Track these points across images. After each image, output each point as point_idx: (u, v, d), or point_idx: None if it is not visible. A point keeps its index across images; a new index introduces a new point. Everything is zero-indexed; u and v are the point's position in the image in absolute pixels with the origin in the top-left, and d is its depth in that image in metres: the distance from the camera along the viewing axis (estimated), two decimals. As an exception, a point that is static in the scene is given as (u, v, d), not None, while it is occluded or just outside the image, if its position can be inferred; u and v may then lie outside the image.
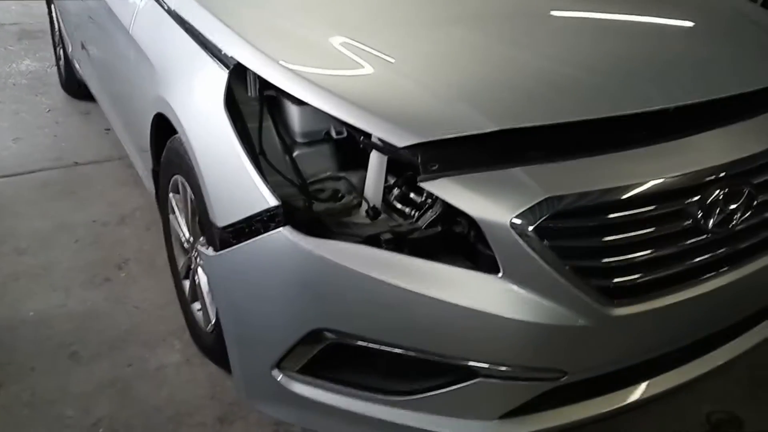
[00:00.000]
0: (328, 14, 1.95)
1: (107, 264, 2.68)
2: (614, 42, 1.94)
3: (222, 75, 1.72)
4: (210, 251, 1.71)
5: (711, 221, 1.54)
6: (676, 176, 1.51)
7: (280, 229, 1.50)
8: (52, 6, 4.30)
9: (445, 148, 1.45)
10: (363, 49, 1.71)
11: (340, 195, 1.68)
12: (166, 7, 2.11)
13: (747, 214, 1.58)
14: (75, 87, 4.15)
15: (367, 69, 1.64)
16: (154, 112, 2.06)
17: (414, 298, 1.44)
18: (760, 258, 1.68)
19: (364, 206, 1.62)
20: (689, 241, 1.55)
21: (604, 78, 1.70)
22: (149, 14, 2.21)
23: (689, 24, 2.18)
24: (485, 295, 1.43)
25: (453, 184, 1.43)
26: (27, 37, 5.68)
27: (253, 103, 1.73)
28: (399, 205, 1.60)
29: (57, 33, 4.31)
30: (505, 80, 1.66)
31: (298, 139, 1.71)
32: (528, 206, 1.39)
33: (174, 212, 2.22)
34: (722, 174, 1.55)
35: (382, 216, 1.61)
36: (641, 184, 1.47)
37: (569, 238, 1.44)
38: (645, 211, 1.48)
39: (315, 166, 1.71)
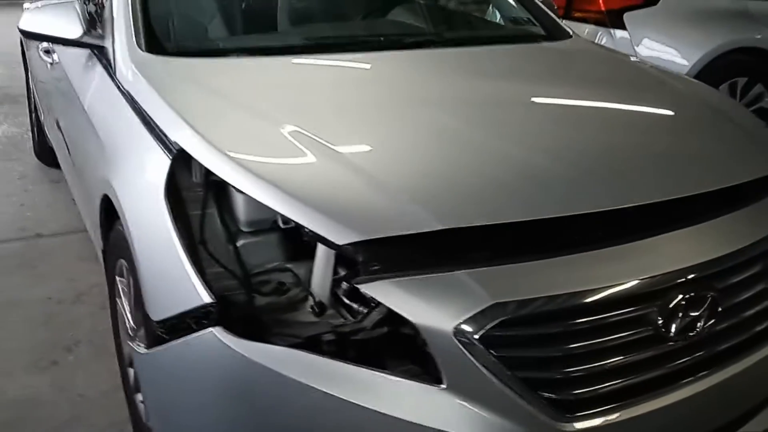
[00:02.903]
0: (283, 99, 1.89)
1: (56, 346, 2.56)
2: (578, 133, 1.87)
3: (165, 160, 1.64)
4: (141, 348, 1.60)
5: (673, 328, 1.44)
6: (635, 281, 1.42)
7: (211, 329, 1.40)
8: (29, 72, 4.28)
9: (387, 248, 1.37)
10: (312, 139, 1.63)
11: (285, 288, 1.58)
12: (119, 85, 2.05)
13: (711, 321, 1.48)
14: (47, 154, 4.09)
15: (313, 160, 1.57)
16: (102, 193, 1.98)
17: (354, 410, 1.33)
18: (731, 364, 1.57)
19: (310, 301, 1.52)
20: (649, 350, 1.44)
21: (563, 172, 1.62)
22: (103, 90, 2.16)
23: (658, 115, 2.12)
24: (429, 407, 1.32)
25: (393, 287, 1.34)
26: (9, 101, 5.67)
27: (197, 189, 1.65)
28: (347, 301, 1.50)
29: (32, 99, 4.28)
30: (459, 174, 1.58)
31: (244, 228, 1.62)
32: (472, 313, 1.29)
33: (120, 296, 2.11)
34: (686, 278, 1.46)
35: (329, 311, 1.50)
36: (597, 290, 1.38)
37: (518, 347, 1.34)
38: (601, 318, 1.39)
39: (260, 257, 1.61)
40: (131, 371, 2.11)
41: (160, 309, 1.54)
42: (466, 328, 1.29)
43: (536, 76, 2.35)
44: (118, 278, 2.07)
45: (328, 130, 1.68)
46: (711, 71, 4.01)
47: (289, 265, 1.61)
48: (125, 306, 2.07)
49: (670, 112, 2.15)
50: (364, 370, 1.35)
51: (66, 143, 3.03)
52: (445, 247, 1.39)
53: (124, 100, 1.98)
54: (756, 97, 4.34)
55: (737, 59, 4.22)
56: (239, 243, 1.61)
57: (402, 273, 1.35)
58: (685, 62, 4.05)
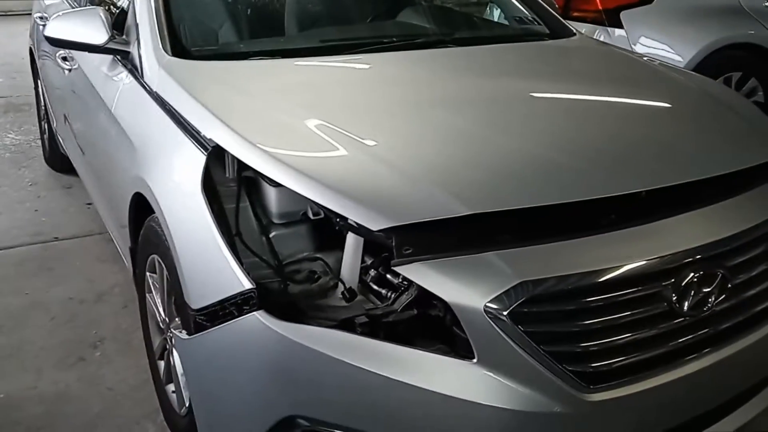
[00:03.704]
0: (306, 97, 1.98)
1: (82, 343, 2.63)
2: (589, 125, 1.98)
3: (200, 157, 1.73)
4: (184, 334, 1.68)
5: (686, 304, 1.54)
6: (650, 260, 1.52)
7: (254, 312, 1.49)
8: (39, 80, 4.35)
9: (419, 232, 1.46)
10: (339, 132, 1.73)
11: (316, 276, 1.67)
12: (147, 88, 2.14)
13: (722, 297, 1.58)
14: (58, 161, 4.17)
15: (343, 152, 1.66)
16: (133, 192, 2.06)
17: (388, 384, 1.42)
18: (740, 339, 1.66)
19: (340, 288, 1.61)
20: (665, 325, 1.54)
21: (578, 161, 1.73)
22: (131, 94, 2.24)
23: (662, 106, 2.23)
24: (460, 381, 1.41)
25: (426, 268, 1.43)
26: (13, 110, 5.73)
27: (230, 184, 1.73)
28: (375, 287, 1.59)
29: (42, 107, 4.35)
30: (480, 164, 1.68)
31: (275, 220, 1.71)
32: (501, 291, 1.39)
33: (151, 291, 2.19)
34: (696, 257, 1.56)
35: (359, 298, 1.59)
36: (616, 268, 1.48)
37: (544, 322, 1.43)
38: (620, 295, 1.48)
39: (292, 247, 1.70)
40: (161, 363, 2.20)
41: (201, 297, 1.62)
42: (496, 305, 1.38)
43: (546, 73, 2.45)
44: (149, 274, 2.15)
45: (353, 124, 1.78)
46: (706, 67, 4.11)
47: (319, 255, 1.70)
48: (156, 300, 2.15)
49: (676, 104, 2.26)
50: (398, 347, 1.44)
51: (81, 148, 3.11)
52: (473, 231, 1.49)
53: (153, 102, 2.07)
54: (750, 91, 4.46)
55: (731, 55, 4.34)
56: (272, 234, 1.70)
57: (434, 255, 1.44)
58: (680, 59, 4.16)
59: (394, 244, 1.44)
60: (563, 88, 2.27)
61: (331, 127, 1.75)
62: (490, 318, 1.38)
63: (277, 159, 1.60)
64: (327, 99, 2.00)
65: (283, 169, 1.58)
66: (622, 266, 1.48)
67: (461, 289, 1.40)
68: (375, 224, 1.46)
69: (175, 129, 1.89)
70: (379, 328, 1.51)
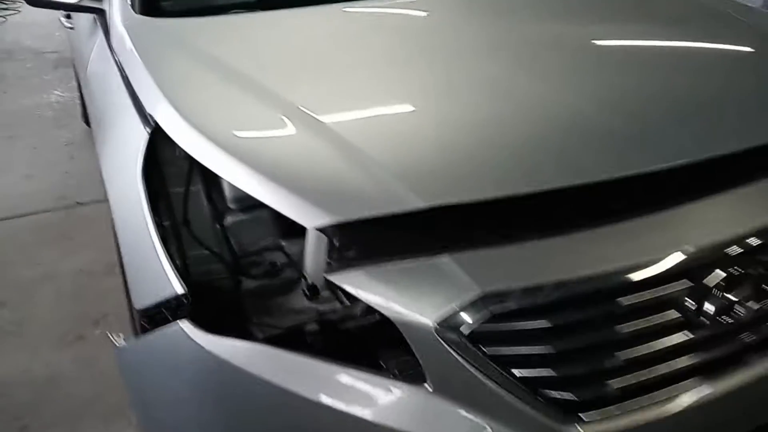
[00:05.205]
0: (281, 62, 1.70)
1: (84, 320, 2.51)
2: (587, 83, 1.61)
3: (143, 135, 1.51)
4: (121, 340, 1.49)
5: (708, 313, 1.22)
6: (664, 259, 1.20)
7: (178, 322, 1.28)
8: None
9: (361, 231, 1.20)
10: (301, 111, 1.45)
11: (277, 269, 1.45)
12: (111, 51, 1.93)
13: (752, 303, 1.24)
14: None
15: (292, 131, 1.39)
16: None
17: (327, 414, 1.18)
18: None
19: (303, 284, 1.37)
20: (680, 339, 1.23)
21: (568, 133, 1.40)
22: (100, 58, 2.04)
23: (687, 59, 1.83)
24: (414, 412, 1.15)
25: (365, 276, 1.17)
26: (63, 65, 5.67)
27: (180, 164, 1.51)
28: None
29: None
30: (449, 141, 1.38)
31: (231, 205, 1.48)
32: (458, 306, 1.11)
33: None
34: (725, 254, 1.24)
35: (324, 293, 1.35)
36: (614, 272, 1.18)
37: (515, 342, 1.15)
38: (619, 304, 1.18)
39: (250, 235, 1.47)
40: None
41: (141, 297, 1.42)
42: (451, 323, 1.11)
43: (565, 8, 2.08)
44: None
45: (312, 94, 1.50)
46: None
47: (283, 243, 1.46)
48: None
49: (725, 52, 1.86)
50: (338, 367, 1.19)
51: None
52: (428, 229, 1.21)
53: (115, 68, 1.86)
54: None
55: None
56: (226, 221, 1.47)
57: (376, 260, 1.17)
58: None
59: (334, 245, 1.19)
60: (583, 27, 1.91)
61: (290, 103, 1.47)
62: (442, 339, 1.11)
63: (211, 142, 1.36)
64: (289, 65, 1.70)
65: (214, 154, 1.34)
66: (621, 268, 1.18)
67: (407, 302, 1.13)
68: (310, 220, 1.21)
69: (127, 100, 1.67)
70: (334, 336, 1.28)
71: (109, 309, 2.57)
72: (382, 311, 1.14)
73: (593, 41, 1.86)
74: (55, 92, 5.06)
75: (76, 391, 2.18)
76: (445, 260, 1.16)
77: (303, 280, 1.35)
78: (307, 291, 1.33)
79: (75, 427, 2.05)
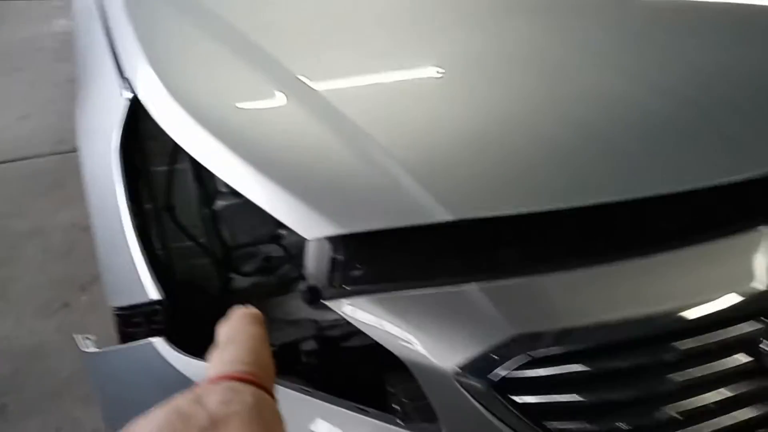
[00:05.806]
0: (274, 27, 1.44)
1: (71, 284, 2.34)
2: (636, 90, 1.30)
3: (123, 101, 1.28)
4: (89, 344, 1.30)
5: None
6: (733, 295, 0.99)
7: (150, 339, 1.08)
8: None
9: (369, 246, 0.98)
10: (303, 84, 1.21)
11: (273, 264, 1.25)
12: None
13: None
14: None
15: (299, 118, 1.15)
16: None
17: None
18: None
19: (302, 285, 1.16)
20: (750, 386, 1.02)
21: (638, 136, 1.15)
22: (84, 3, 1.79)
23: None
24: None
25: (372, 305, 0.95)
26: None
27: (165, 138, 1.29)
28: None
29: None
30: (482, 140, 1.12)
31: (221, 188, 1.26)
32: (485, 349, 0.91)
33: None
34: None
35: (329, 298, 1.14)
36: (672, 312, 0.96)
37: (547, 390, 0.94)
38: (674, 348, 0.97)
39: (243, 224, 1.26)
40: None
41: (116, 294, 1.23)
42: (475, 369, 0.91)
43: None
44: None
45: (327, 72, 1.26)
46: None
47: (281, 232, 1.26)
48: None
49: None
50: (334, 406, 0.99)
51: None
52: (454, 249, 0.99)
53: (97, 13, 1.62)
54: None
55: None
56: (216, 206, 1.26)
57: (386, 286, 0.96)
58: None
59: (332, 265, 0.98)
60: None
61: (293, 75, 1.24)
62: (464, 387, 0.91)
63: (199, 126, 1.13)
64: (314, 24, 1.45)
65: (202, 143, 1.11)
66: (681, 307, 0.97)
67: (425, 341, 0.92)
68: (308, 230, 0.99)
69: (107, 58, 1.44)
70: (334, 354, 1.09)
71: (97, 271, 2.38)
72: (392, 350, 0.93)
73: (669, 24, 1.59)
74: (61, 21, 4.79)
75: (59, 367, 2.02)
76: (472, 289, 0.94)
77: (302, 280, 1.15)
78: (306, 294, 1.12)
79: (56, 407, 1.89)
